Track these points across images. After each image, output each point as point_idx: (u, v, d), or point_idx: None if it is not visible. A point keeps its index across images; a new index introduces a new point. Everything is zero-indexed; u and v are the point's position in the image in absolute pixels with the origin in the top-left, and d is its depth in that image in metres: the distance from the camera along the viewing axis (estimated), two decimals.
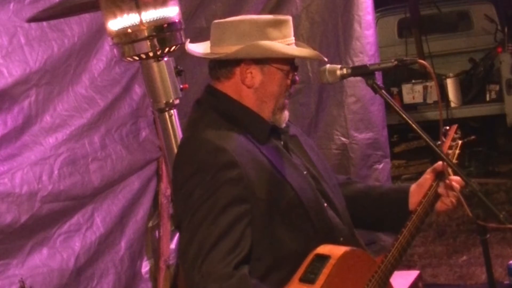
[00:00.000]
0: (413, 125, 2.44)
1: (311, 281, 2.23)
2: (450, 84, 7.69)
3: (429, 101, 7.82)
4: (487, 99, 7.75)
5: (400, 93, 7.83)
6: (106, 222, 3.67)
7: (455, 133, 2.64)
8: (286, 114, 2.39)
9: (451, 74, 7.74)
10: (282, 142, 2.40)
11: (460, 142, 2.63)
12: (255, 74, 2.30)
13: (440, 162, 2.44)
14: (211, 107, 2.34)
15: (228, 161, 2.18)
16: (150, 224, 4.06)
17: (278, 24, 2.30)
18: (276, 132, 2.38)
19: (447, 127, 2.63)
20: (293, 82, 2.39)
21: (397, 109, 2.42)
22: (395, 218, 2.48)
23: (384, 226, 2.63)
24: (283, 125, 2.39)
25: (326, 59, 2.45)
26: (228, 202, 2.16)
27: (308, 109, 4.60)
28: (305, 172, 2.39)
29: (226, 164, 2.17)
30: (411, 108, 7.56)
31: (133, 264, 3.87)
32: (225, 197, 2.16)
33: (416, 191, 2.52)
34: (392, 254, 2.37)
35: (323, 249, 2.29)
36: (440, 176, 2.47)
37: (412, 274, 3.54)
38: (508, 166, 7.28)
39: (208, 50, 2.38)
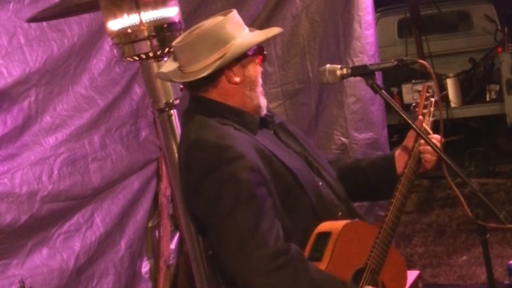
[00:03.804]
0: (413, 125, 2.45)
1: (318, 259, 2.32)
2: (450, 84, 7.68)
3: None
4: (487, 99, 7.74)
5: (400, 93, 7.82)
6: (106, 222, 3.67)
7: (427, 91, 2.70)
8: (265, 100, 2.51)
9: (451, 74, 7.74)
10: (272, 132, 2.52)
11: (433, 100, 2.70)
12: (237, 71, 2.42)
13: (417, 123, 2.55)
14: (200, 113, 2.43)
15: (234, 155, 2.26)
16: (150, 224, 4.06)
17: (231, 19, 2.43)
18: (264, 123, 2.50)
19: (419, 89, 2.73)
20: (264, 59, 2.51)
21: (397, 109, 2.43)
22: (386, 184, 2.58)
23: (378, 194, 2.74)
24: (265, 110, 2.50)
25: (282, 29, 2.60)
26: (251, 186, 2.23)
27: (308, 109, 4.60)
28: (298, 155, 2.50)
29: (234, 158, 2.25)
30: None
31: (133, 264, 3.87)
32: (247, 183, 2.23)
33: (401, 155, 2.63)
34: (389, 218, 2.47)
35: (323, 226, 2.39)
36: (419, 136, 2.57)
37: (412, 274, 3.52)
38: (508, 166, 7.28)
39: (177, 73, 2.47)
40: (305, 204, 2.39)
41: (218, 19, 2.44)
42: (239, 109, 2.44)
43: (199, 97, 2.46)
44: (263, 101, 2.49)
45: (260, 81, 2.48)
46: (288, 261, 2.18)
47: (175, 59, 2.49)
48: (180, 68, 2.46)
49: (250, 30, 2.51)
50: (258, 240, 2.18)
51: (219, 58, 2.36)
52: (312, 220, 2.39)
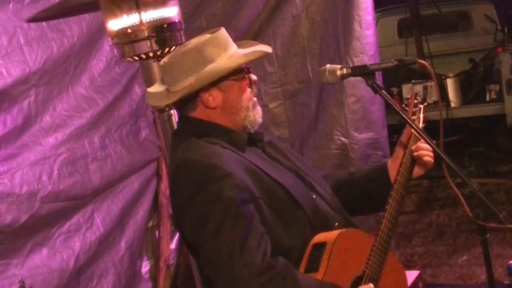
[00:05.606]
0: (413, 125, 2.45)
1: (315, 270, 2.32)
2: (450, 84, 7.68)
3: (429, 101, 7.81)
4: (487, 99, 7.73)
5: (400, 93, 7.82)
6: (106, 222, 3.67)
7: (415, 98, 2.70)
8: (259, 109, 2.46)
9: (451, 74, 7.73)
10: (260, 150, 2.49)
11: (422, 106, 2.70)
12: (215, 95, 2.39)
13: (406, 130, 2.56)
14: (188, 133, 2.42)
15: (221, 173, 2.25)
16: (150, 224, 4.06)
17: (214, 40, 2.38)
18: (252, 142, 2.47)
19: (408, 97, 2.73)
20: (252, 82, 2.45)
21: (397, 109, 2.43)
22: (381, 194, 2.56)
23: (374, 205, 2.70)
24: (260, 120, 2.46)
25: (270, 51, 2.51)
26: (238, 205, 2.23)
27: (308, 109, 4.59)
28: (289, 170, 2.48)
29: (221, 176, 2.25)
30: None
31: (133, 264, 3.87)
32: (234, 202, 2.23)
33: (393, 163, 2.62)
34: (385, 225, 2.46)
35: (319, 237, 2.39)
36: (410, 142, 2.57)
37: (412, 274, 3.53)
38: (508, 166, 7.28)
39: (162, 92, 2.47)
40: (301, 216, 2.38)
41: (203, 37, 2.40)
42: (227, 128, 2.42)
43: (186, 117, 2.45)
44: (252, 118, 2.42)
45: (246, 104, 2.41)
46: (275, 275, 2.19)
47: (162, 79, 2.51)
48: (166, 87, 2.47)
49: (242, 46, 2.47)
50: (245, 258, 2.17)
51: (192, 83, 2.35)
52: (309, 232, 2.39)
